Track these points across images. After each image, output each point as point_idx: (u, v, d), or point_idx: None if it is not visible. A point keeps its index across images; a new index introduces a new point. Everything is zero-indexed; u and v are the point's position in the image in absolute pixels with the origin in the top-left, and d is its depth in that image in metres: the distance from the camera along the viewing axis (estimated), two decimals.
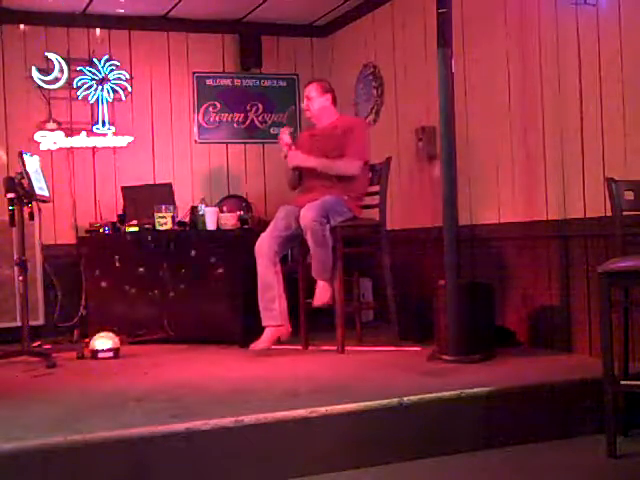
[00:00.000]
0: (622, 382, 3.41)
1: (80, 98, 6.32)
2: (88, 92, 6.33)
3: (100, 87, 6.34)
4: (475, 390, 3.52)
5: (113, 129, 6.36)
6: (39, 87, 6.21)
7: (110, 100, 6.38)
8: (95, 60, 6.33)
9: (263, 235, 4.87)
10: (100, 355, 4.92)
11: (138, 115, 6.49)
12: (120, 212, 5.99)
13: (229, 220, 5.55)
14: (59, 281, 6.01)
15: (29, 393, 4.00)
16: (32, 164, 4.95)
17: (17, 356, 4.85)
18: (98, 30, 6.36)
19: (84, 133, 6.27)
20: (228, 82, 6.77)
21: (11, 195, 4.77)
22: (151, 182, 6.30)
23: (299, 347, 4.96)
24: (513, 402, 3.57)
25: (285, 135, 5.08)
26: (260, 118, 6.82)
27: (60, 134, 6.20)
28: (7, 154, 6.03)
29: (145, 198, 5.81)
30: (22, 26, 6.17)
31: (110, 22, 6.38)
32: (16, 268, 4.92)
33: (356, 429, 3.30)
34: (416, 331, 5.03)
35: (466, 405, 3.48)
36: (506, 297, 4.86)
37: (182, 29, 6.60)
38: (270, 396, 3.55)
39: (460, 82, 4.98)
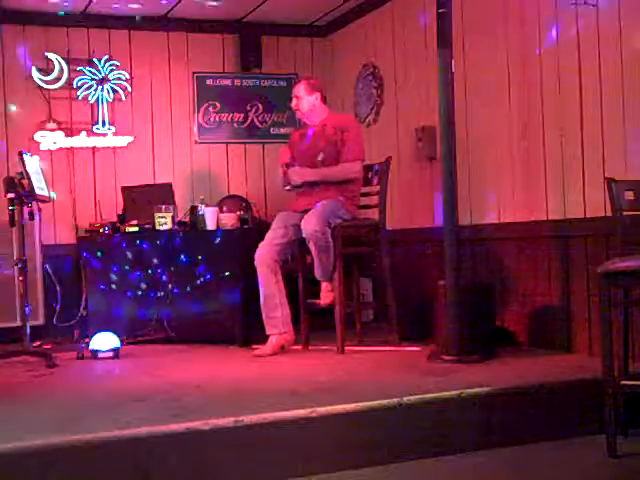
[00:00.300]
0: (622, 382, 3.41)
1: (80, 98, 6.32)
2: (88, 92, 6.32)
3: (100, 87, 6.33)
4: (475, 390, 3.52)
5: (113, 129, 6.36)
6: (39, 87, 6.21)
7: (110, 100, 6.38)
8: (95, 60, 6.33)
9: (262, 244, 4.88)
10: (100, 355, 4.93)
11: (138, 115, 6.49)
12: (120, 212, 5.99)
13: (229, 220, 5.55)
14: (59, 281, 6.01)
15: (29, 393, 4.01)
16: (32, 164, 4.95)
17: (17, 356, 4.85)
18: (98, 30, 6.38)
19: (84, 133, 6.27)
20: (228, 82, 6.77)
21: (11, 195, 4.78)
22: (151, 182, 6.30)
23: (299, 347, 4.96)
24: (513, 402, 3.57)
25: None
26: (260, 118, 6.82)
27: (60, 134, 6.20)
28: (7, 154, 6.02)
29: (145, 198, 5.81)
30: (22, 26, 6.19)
31: (110, 22, 6.38)
32: (16, 268, 4.92)
33: (356, 429, 3.30)
34: (416, 331, 5.03)
35: (466, 405, 3.48)
36: (506, 297, 4.86)
37: (182, 29, 6.59)
38: (270, 396, 3.55)
39: (460, 82, 4.98)
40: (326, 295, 4.89)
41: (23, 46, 6.20)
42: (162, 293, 5.53)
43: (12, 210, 4.79)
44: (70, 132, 6.25)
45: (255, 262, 4.86)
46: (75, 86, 6.29)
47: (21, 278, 4.87)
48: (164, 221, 5.52)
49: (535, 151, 4.68)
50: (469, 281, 4.83)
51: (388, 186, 5.01)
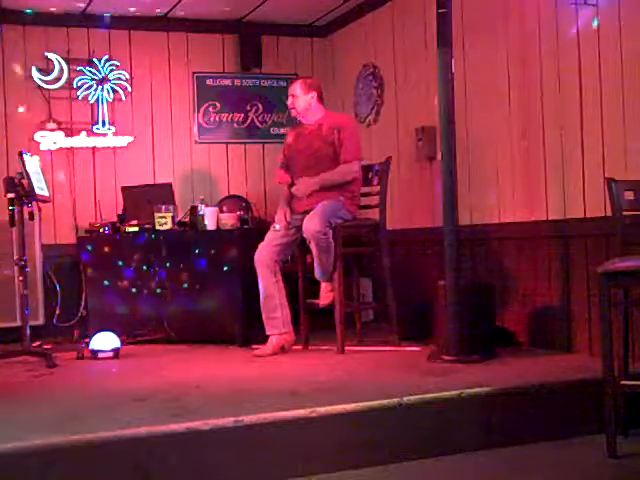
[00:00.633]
0: (622, 382, 3.41)
1: (80, 98, 6.32)
2: (88, 92, 6.32)
3: (100, 87, 6.34)
4: (475, 390, 3.52)
5: (113, 129, 6.36)
6: (39, 87, 6.21)
7: (110, 100, 6.38)
8: (95, 60, 6.33)
9: (262, 245, 4.88)
10: (100, 355, 4.93)
11: (138, 115, 6.49)
12: (120, 212, 5.99)
13: (229, 220, 5.55)
14: (59, 281, 6.01)
15: (29, 393, 4.01)
16: (32, 164, 4.95)
17: (17, 356, 4.85)
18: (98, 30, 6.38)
19: (84, 133, 6.27)
20: (228, 82, 6.77)
21: (11, 195, 4.78)
22: (151, 182, 6.30)
23: (299, 347, 4.96)
24: (513, 402, 3.57)
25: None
26: (260, 118, 6.82)
27: (60, 134, 6.20)
28: (7, 154, 6.02)
29: (145, 198, 5.81)
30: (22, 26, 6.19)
31: (110, 22, 6.38)
32: (16, 268, 4.92)
33: (356, 429, 3.30)
34: (416, 331, 5.03)
35: (466, 405, 3.48)
36: (506, 297, 4.86)
37: (182, 29, 6.59)
38: (270, 396, 3.55)
39: (460, 82, 4.98)
40: (326, 295, 4.89)
41: (23, 46, 6.20)
42: (162, 293, 5.53)
43: (12, 210, 4.79)
44: (70, 132, 6.25)
45: (255, 262, 4.86)
46: (75, 86, 6.30)
47: (21, 278, 4.87)
48: (164, 221, 5.52)
49: (535, 151, 4.68)
50: (469, 281, 4.83)
51: (388, 186, 5.01)
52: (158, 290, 5.54)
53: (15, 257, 4.91)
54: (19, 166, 4.82)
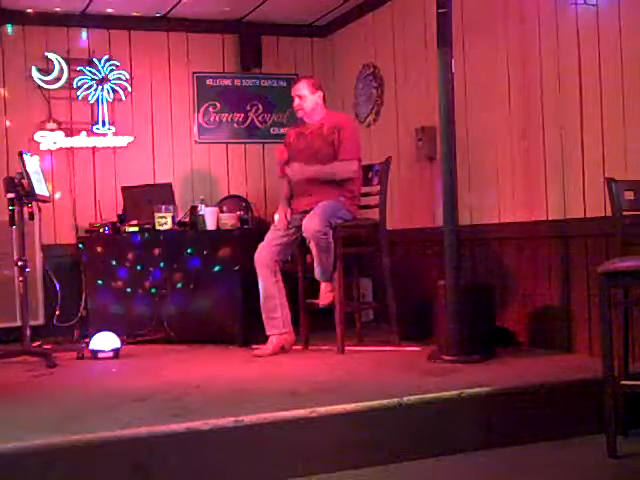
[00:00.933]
0: (622, 382, 3.41)
1: (80, 98, 6.32)
2: (88, 92, 6.32)
3: (100, 87, 6.34)
4: (475, 390, 3.52)
5: (113, 129, 6.36)
6: (39, 87, 6.21)
7: (110, 100, 6.38)
8: (95, 60, 6.33)
9: (262, 245, 4.88)
10: (100, 355, 4.93)
11: (138, 115, 6.49)
12: (120, 212, 5.99)
13: (229, 220, 5.55)
14: (59, 281, 6.01)
15: (29, 393, 4.01)
16: (32, 164, 4.95)
17: (17, 356, 4.85)
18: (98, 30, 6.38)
19: (84, 133, 6.27)
20: (228, 82, 6.77)
21: (11, 195, 4.78)
22: (151, 182, 6.30)
23: (299, 347, 4.96)
24: (513, 402, 3.56)
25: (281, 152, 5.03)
26: (260, 118, 6.82)
27: (60, 134, 6.20)
28: (7, 154, 6.02)
29: (145, 198, 5.81)
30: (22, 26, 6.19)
31: (110, 22, 6.39)
32: (16, 268, 4.92)
33: (356, 429, 3.30)
34: (416, 331, 5.03)
35: (466, 405, 3.48)
36: (506, 297, 4.86)
37: (182, 29, 6.59)
38: (270, 396, 3.55)
39: (460, 82, 4.98)
40: (325, 296, 4.89)
41: (23, 46, 6.20)
42: (162, 293, 5.53)
43: (12, 210, 4.79)
44: (70, 132, 6.25)
45: (255, 263, 4.86)
46: (75, 86, 6.30)
47: (21, 278, 4.87)
48: (164, 221, 5.52)
49: (535, 151, 4.68)
50: (469, 281, 4.83)
51: (388, 186, 5.01)
52: (158, 290, 5.54)
53: (15, 257, 4.91)
54: (19, 166, 4.82)
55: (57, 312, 5.97)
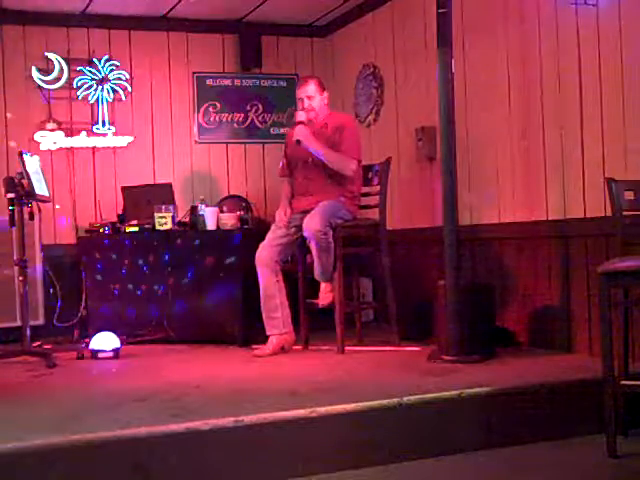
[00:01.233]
0: (622, 382, 3.41)
1: (80, 98, 6.32)
2: (88, 92, 6.33)
3: (100, 87, 6.34)
4: (475, 390, 3.52)
5: (113, 129, 6.36)
6: (39, 87, 6.21)
7: (110, 100, 6.38)
8: (95, 60, 6.33)
9: (263, 244, 4.88)
10: (100, 355, 4.92)
11: (138, 115, 6.49)
12: (120, 212, 5.99)
13: (229, 220, 5.55)
14: (59, 281, 6.01)
15: (29, 393, 4.01)
16: (32, 164, 4.95)
17: (17, 356, 4.85)
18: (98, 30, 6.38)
19: (84, 133, 6.27)
20: (228, 82, 6.77)
21: (11, 195, 4.78)
22: (151, 182, 6.30)
23: (299, 347, 4.97)
24: (513, 402, 3.56)
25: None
26: (260, 118, 6.82)
27: (60, 134, 6.20)
28: (7, 154, 6.02)
29: (145, 198, 5.81)
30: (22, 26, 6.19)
31: (110, 22, 6.39)
32: (16, 268, 4.92)
33: (356, 429, 3.30)
34: (416, 331, 5.03)
35: (466, 405, 3.48)
36: (506, 297, 4.86)
37: (182, 29, 6.59)
38: (270, 396, 3.55)
39: (460, 82, 4.98)
40: (325, 296, 4.89)
41: (23, 46, 6.20)
42: (162, 293, 5.53)
43: (12, 210, 4.79)
44: (70, 132, 6.25)
45: (255, 262, 4.86)
46: (75, 86, 6.30)
47: (21, 278, 4.87)
48: (164, 221, 5.52)
49: (535, 151, 4.68)
50: (469, 281, 4.83)
51: (388, 186, 5.01)
52: (158, 290, 5.54)
53: (15, 257, 4.91)
54: (19, 166, 4.82)
55: (57, 312, 5.97)
